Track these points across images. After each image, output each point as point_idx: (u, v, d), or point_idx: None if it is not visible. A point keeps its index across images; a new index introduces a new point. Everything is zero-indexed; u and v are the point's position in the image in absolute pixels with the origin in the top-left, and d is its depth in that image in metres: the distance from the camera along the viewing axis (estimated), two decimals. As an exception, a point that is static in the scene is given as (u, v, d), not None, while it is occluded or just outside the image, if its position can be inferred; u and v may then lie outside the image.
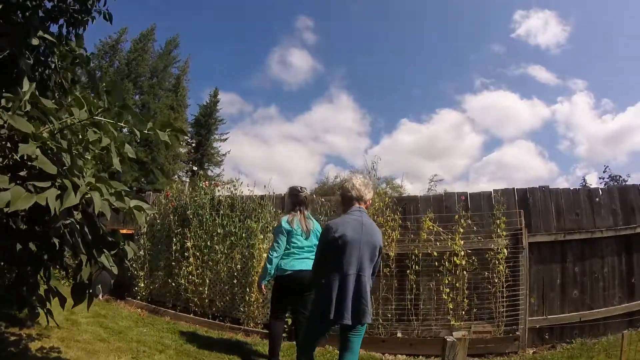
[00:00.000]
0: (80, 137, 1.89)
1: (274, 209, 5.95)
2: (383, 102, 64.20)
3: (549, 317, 5.19)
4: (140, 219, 1.91)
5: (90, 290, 2.00)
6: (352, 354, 3.03)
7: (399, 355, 4.88)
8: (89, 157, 2.06)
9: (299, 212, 4.35)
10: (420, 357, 4.83)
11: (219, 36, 61.04)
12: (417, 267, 5.10)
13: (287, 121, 64.74)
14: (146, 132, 1.96)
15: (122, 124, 1.93)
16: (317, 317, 3.03)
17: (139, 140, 31.70)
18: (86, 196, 1.59)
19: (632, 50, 56.29)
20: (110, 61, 35.46)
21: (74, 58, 2.19)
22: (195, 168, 33.90)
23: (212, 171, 37.35)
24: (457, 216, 5.14)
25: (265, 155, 54.25)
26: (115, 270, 2.00)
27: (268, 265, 4.16)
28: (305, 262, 4.15)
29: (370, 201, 3.27)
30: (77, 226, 1.78)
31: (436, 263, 5.06)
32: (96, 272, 6.23)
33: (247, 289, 5.61)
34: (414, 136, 56.43)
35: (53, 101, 1.89)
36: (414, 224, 5.30)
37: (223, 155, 39.36)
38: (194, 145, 39.16)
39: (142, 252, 6.87)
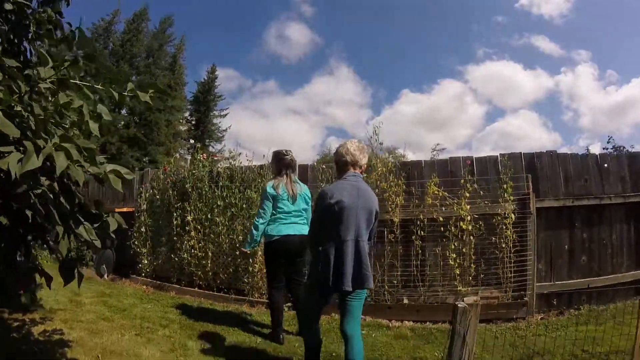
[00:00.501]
0: (51, 100, 1.73)
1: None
2: (384, 73, 63.88)
3: (556, 283, 5.12)
4: (117, 184, 1.75)
5: (82, 267, 1.86)
6: (353, 319, 2.96)
7: (406, 322, 4.81)
8: (67, 125, 1.90)
9: (285, 176, 4.23)
10: (427, 323, 4.76)
11: (214, 13, 59.67)
12: (422, 232, 4.98)
13: (287, 95, 63.98)
14: (125, 94, 1.77)
15: (98, 86, 1.75)
16: (316, 285, 2.97)
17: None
18: (55, 160, 1.44)
19: (637, 22, 55.11)
20: (105, 43, 34.87)
21: (50, 25, 2.00)
22: (192, 141, 33.74)
23: (213, 147, 37.10)
24: (462, 180, 4.99)
25: (266, 130, 53.99)
26: (98, 244, 1.87)
27: (254, 232, 4.13)
28: (292, 227, 4.09)
29: (366, 166, 3.20)
30: (51, 195, 1.64)
31: (442, 228, 4.95)
32: (99, 252, 6.21)
33: (250, 260, 5.50)
34: (415, 107, 55.91)
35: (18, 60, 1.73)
36: (418, 189, 5.15)
37: (224, 131, 39.01)
38: (194, 122, 38.93)
39: (143, 229, 6.81)
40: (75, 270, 1.91)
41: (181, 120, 37.23)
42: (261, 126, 54.45)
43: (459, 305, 2.01)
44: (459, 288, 4.85)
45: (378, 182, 5.18)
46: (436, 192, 4.99)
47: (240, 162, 6.23)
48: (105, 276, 7.19)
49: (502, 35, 59.91)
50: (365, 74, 66.79)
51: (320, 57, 61.50)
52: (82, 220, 1.81)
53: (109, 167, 1.83)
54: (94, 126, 1.75)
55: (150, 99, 1.84)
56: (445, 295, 4.95)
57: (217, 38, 59.24)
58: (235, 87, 60.17)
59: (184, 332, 4.26)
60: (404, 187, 5.12)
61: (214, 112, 39.73)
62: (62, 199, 1.70)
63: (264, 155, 5.83)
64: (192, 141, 34.47)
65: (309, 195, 4.35)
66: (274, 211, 4.12)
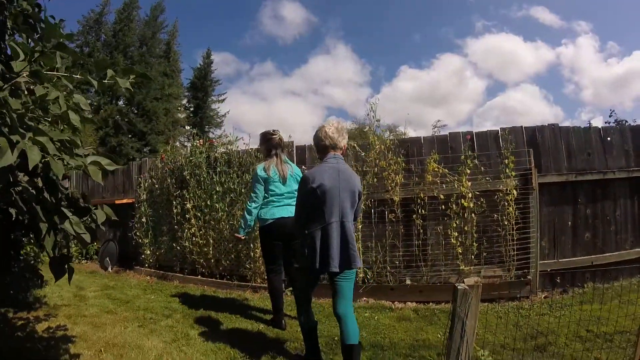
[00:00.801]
0: (28, 95, 1.67)
1: None
2: (382, 50, 63.50)
3: (560, 260, 5.06)
4: (97, 176, 1.69)
5: (86, 261, 1.82)
6: (344, 299, 2.97)
7: (409, 303, 4.78)
8: (50, 119, 1.84)
9: (274, 157, 4.18)
10: (430, 303, 4.73)
11: None
12: (423, 211, 4.91)
13: (285, 76, 64.00)
14: (105, 81, 1.71)
15: (77, 76, 1.68)
16: (304, 268, 3.02)
17: (134, 111, 31.89)
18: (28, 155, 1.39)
19: (638, -7, 54.22)
20: (97, 35, 34.90)
21: (24, 17, 1.91)
22: (188, 127, 33.60)
23: (212, 133, 36.85)
24: (463, 157, 4.91)
25: (265, 112, 54.09)
26: (87, 238, 1.82)
27: (247, 216, 4.09)
28: (285, 209, 4.04)
29: (346, 147, 3.18)
30: (33, 191, 1.59)
31: (443, 206, 4.87)
32: (102, 245, 6.20)
33: (252, 245, 5.48)
34: (414, 83, 55.71)
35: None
36: (418, 167, 5.07)
37: (222, 116, 38.91)
38: (192, 109, 38.73)
39: (144, 220, 6.81)
40: (66, 266, 1.85)
41: (179, 108, 37.07)
42: (261, 109, 54.67)
43: (458, 287, 1.96)
44: (461, 267, 4.80)
45: (376, 160, 5.09)
46: (436, 169, 4.90)
47: (238, 147, 6.18)
48: (109, 269, 7.21)
49: (500, 7, 59.84)
50: (363, 51, 67.08)
51: (316, 36, 61.75)
52: (68, 214, 1.76)
53: (90, 159, 1.78)
54: (74, 117, 1.69)
55: (132, 85, 1.76)
56: (447, 275, 4.90)
57: (211, 22, 58.97)
58: (233, 71, 60.00)
59: (186, 322, 4.27)
60: (403, 165, 5.03)
61: (212, 97, 39.55)
62: (45, 194, 1.65)
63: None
64: (187, 127, 34.21)
65: (300, 175, 4.16)
66: (266, 194, 4.08)
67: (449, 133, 5.28)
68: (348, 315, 2.93)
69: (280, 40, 61.66)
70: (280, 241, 4.06)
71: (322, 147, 3.08)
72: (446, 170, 4.91)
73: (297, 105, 57.88)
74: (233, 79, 59.25)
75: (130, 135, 32.99)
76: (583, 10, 62.63)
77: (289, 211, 3.98)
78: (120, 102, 34.81)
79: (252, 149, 5.88)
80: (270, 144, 4.21)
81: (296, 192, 4.01)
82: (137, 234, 6.92)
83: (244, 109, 53.14)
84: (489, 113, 51.89)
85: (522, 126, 5.19)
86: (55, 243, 1.69)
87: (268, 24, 61.39)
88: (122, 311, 4.59)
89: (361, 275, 4.96)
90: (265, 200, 4.08)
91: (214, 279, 5.90)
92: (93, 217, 1.86)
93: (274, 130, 4.26)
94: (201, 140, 6.48)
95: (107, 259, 7.38)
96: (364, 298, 4.90)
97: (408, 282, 4.95)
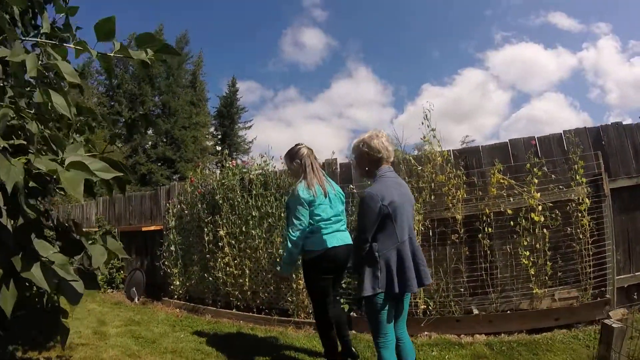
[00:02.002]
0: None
1: None
2: (403, 70, 63.33)
3: (636, 274, 4.37)
4: (74, 188, 1.13)
5: (112, 290, 1.32)
6: (403, 320, 2.89)
7: (477, 335, 4.12)
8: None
9: (312, 172, 3.41)
10: (502, 334, 4.05)
11: (228, 27, 60.86)
12: (489, 229, 4.29)
13: (309, 101, 64.49)
14: (111, 54, 1.23)
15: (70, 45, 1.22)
16: (382, 296, 2.64)
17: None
18: None
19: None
20: (125, 68, 36.09)
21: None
22: (219, 148, 34.12)
23: (240, 159, 37.28)
24: (528, 165, 4.29)
25: (291, 138, 54.62)
26: (80, 287, 1.31)
27: (292, 250, 3.27)
28: (335, 236, 3.34)
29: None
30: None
31: (511, 222, 4.24)
32: (129, 275, 5.79)
33: (293, 276, 4.91)
34: (438, 100, 54.57)
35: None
36: (479, 180, 4.49)
37: (250, 142, 39.57)
38: (219, 137, 39.60)
39: (173, 248, 6.38)
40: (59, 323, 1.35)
41: (207, 136, 37.78)
42: (287, 135, 54.98)
43: (614, 325, 1.39)
44: (535, 290, 4.15)
45: (433, 175, 4.53)
46: (501, 180, 4.31)
47: (275, 167, 5.66)
48: (136, 300, 6.82)
49: (518, 17, 58.76)
50: (384, 73, 67.14)
51: (337, 60, 61.92)
52: (44, 253, 1.25)
53: (70, 158, 1.21)
54: (58, 100, 1.18)
55: (151, 61, 1.27)
56: (519, 300, 4.27)
57: (234, 52, 60.43)
58: (258, 99, 60.86)
59: None
60: (464, 178, 4.46)
61: (239, 124, 40.54)
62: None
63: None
64: (218, 148, 34.63)
65: (343, 194, 3.64)
66: (311, 220, 3.31)
67: (509, 140, 4.64)
68: (406, 336, 2.88)
69: (302, 67, 62.31)
70: (331, 274, 3.35)
71: (375, 160, 2.78)
72: (512, 181, 4.31)
73: (322, 129, 57.97)
74: (258, 106, 60.28)
75: (160, 164, 33.63)
76: (601, 11, 61.06)
77: (339, 238, 3.35)
78: (150, 132, 35.65)
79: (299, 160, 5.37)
80: (302, 157, 3.45)
81: (342, 214, 3.51)
82: (166, 263, 6.49)
83: (270, 134, 53.52)
84: (515, 125, 50.65)
85: (585, 127, 4.59)
86: (31, 295, 1.20)
87: (289, 51, 61.95)
88: (147, 354, 4.06)
89: (422, 306, 4.37)
90: (311, 227, 3.31)
91: (250, 314, 5.35)
92: (88, 254, 1.34)
93: (300, 143, 3.57)
94: (234, 162, 6.03)
95: (134, 289, 6.98)
96: (426, 332, 4.26)
97: (475, 311, 4.29)
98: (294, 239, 3.24)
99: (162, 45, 1.34)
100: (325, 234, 3.31)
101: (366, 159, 2.81)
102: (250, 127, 40.85)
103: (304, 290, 4.84)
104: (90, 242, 1.39)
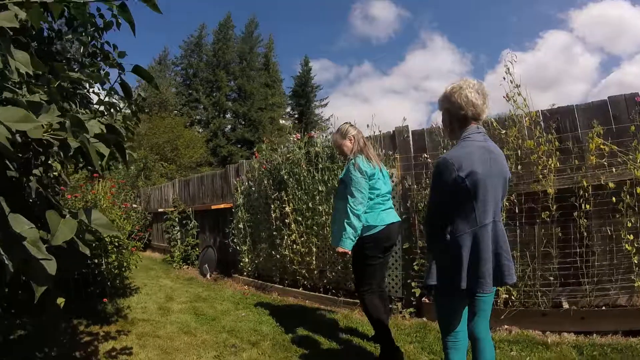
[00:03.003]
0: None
1: (383, 151, 4.71)
2: (480, 36, 60.07)
3: None
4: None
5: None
6: (486, 319, 2.24)
7: (565, 334, 3.42)
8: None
9: (368, 149, 3.40)
10: (594, 335, 3.31)
11: (295, 6, 60.68)
12: (587, 206, 3.52)
13: (384, 75, 63.53)
14: None
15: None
16: (444, 290, 2.16)
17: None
18: None
19: None
20: (199, 57, 38.20)
21: None
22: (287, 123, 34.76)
23: (322, 135, 37.89)
24: (633, 127, 3.44)
25: (368, 113, 53.60)
26: (51, 266, 1.07)
27: (355, 223, 3.09)
28: (391, 213, 3.29)
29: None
30: None
31: (614, 198, 3.42)
32: (202, 251, 5.80)
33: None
34: (519, 67, 50.71)
35: None
36: (575, 146, 3.67)
37: (327, 120, 39.44)
38: (296, 116, 40.20)
39: (241, 225, 6.27)
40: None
41: (284, 115, 38.42)
42: (364, 110, 54.79)
43: None
44: (637, 283, 3.34)
45: (519, 140, 3.84)
46: (601, 146, 3.50)
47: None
48: (208, 275, 6.86)
49: (603, -29, 52.99)
50: (460, 41, 65.93)
51: (410, 31, 60.95)
52: (15, 229, 1.03)
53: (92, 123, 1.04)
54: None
55: None
56: (616, 295, 3.49)
57: (304, 31, 60.88)
58: (332, 76, 60.94)
59: (274, 354, 3.38)
60: (556, 143, 3.70)
61: (315, 102, 41.02)
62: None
63: (367, 125, 4.84)
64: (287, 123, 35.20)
65: (387, 173, 3.51)
66: (370, 194, 3.20)
67: (609, 98, 3.69)
68: (488, 338, 2.22)
69: (374, 40, 61.39)
70: (384, 252, 3.25)
71: (459, 118, 2.20)
72: (614, 147, 3.48)
73: (399, 103, 57.10)
74: (333, 83, 60.33)
75: (239, 145, 34.80)
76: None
77: (394, 216, 3.30)
78: (228, 115, 37.01)
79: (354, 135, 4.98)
80: (354, 134, 3.43)
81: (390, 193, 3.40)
82: (235, 240, 6.41)
83: (347, 111, 53.63)
84: (606, 92, 45.18)
85: None
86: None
87: (360, 25, 61.18)
88: (203, 332, 3.92)
89: (504, 295, 3.75)
90: (370, 201, 3.20)
91: (317, 293, 5.09)
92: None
93: (346, 122, 3.59)
94: (298, 134, 5.72)
95: (206, 265, 7.03)
96: (505, 326, 3.65)
97: (565, 305, 3.59)
98: (356, 212, 3.09)
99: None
100: (383, 210, 3.24)
101: (447, 117, 2.27)
102: (326, 104, 41.22)
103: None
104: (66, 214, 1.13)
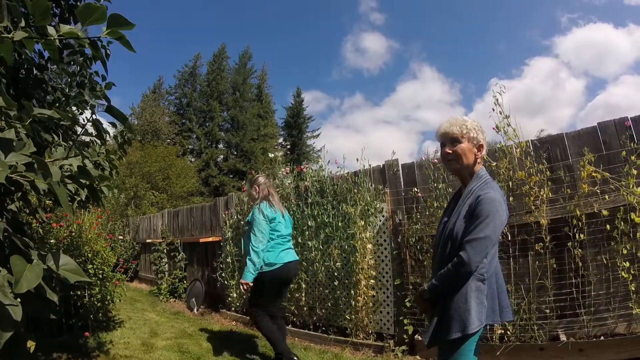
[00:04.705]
0: None
1: (373, 186, 4.66)
2: (468, 66, 61.51)
3: None
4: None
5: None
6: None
7: None
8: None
9: (273, 195, 4.05)
10: None
11: (289, 39, 62.33)
12: (581, 235, 3.46)
13: (375, 106, 64.32)
14: None
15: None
16: (479, 332, 1.96)
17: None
18: None
19: None
20: (193, 87, 38.66)
21: None
22: (274, 155, 34.81)
23: (311, 169, 37.92)
24: (624, 152, 3.40)
25: (360, 144, 54.41)
26: (17, 312, 0.99)
27: (255, 259, 3.66)
28: (290, 253, 3.90)
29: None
30: None
31: (608, 226, 3.38)
32: (189, 285, 5.66)
33: (352, 292, 4.48)
34: (508, 94, 51.96)
35: None
36: (566, 174, 3.64)
37: (318, 151, 39.72)
38: (288, 147, 40.37)
39: (229, 260, 6.13)
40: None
41: (276, 146, 38.58)
42: (356, 141, 54.90)
43: None
44: (635, 310, 3.26)
45: (510, 172, 3.80)
46: (593, 173, 3.45)
47: (331, 172, 5.24)
48: (195, 310, 6.67)
49: (583, -4, 54.51)
50: (449, 70, 66.87)
51: (400, 62, 61.97)
52: None
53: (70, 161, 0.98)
54: None
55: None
56: (614, 323, 3.42)
57: (297, 63, 61.70)
58: (324, 107, 61.66)
59: None
60: (547, 173, 3.67)
61: (307, 134, 41.21)
62: None
63: (357, 159, 4.82)
64: (273, 155, 35.34)
65: (291, 219, 4.20)
66: (271, 235, 3.80)
67: (598, 124, 3.66)
68: None
69: (365, 72, 62.30)
70: (282, 286, 3.95)
71: (483, 153, 2.14)
72: (606, 174, 3.43)
73: (391, 133, 57.62)
74: (325, 114, 61.10)
75: (232, 175, 34.76)
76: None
77: (292, 255, 3.91)
78: (221, 145, 37.11)
79: (347, 173, 4.91)
80: (262, 183, 4.08)
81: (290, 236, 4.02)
82: (223, 274, 6.27)
83: (339, 142, 53.95)
84: (592, 115, 47.21)
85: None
86: None
87: (351, 58, 62.20)
88: (186, 373, 3.75)
89: (499, 330, 3.68)
90: (271, 241, 3.80)
91: (306, 331, 4.94)
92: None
93: (265, 174, 4.29)
94: (288, 168, 5.68)
95: (193, 299, 6.86)
96: None
97: (563, 337, 3.50)
98: (256, 249, 3.66)
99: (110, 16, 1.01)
100: (283, 250, 3.83)
101: (476, 149, 2.09)
102: (318, 135, 41.42)
103: (363, 308, 4.40)
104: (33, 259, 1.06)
